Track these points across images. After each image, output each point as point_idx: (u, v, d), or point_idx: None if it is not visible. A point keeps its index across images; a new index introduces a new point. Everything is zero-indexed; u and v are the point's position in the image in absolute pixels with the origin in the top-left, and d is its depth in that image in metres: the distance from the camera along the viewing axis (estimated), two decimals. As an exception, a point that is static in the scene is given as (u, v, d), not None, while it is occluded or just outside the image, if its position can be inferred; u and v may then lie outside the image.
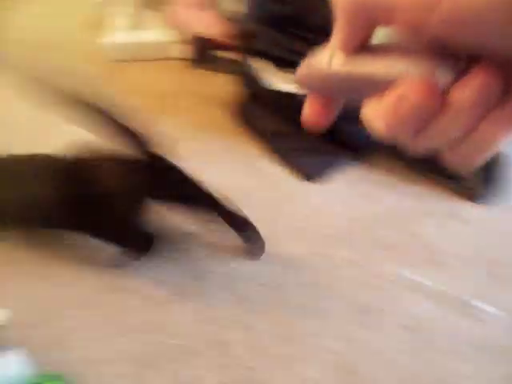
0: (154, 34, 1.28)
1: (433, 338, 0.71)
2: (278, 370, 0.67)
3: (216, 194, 0.73)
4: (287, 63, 0.97)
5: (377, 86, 0.29)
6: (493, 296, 0.75)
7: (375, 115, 0.29)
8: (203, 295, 0.77)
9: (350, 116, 0.88)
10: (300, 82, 0.34)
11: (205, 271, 0.79)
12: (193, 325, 0.73)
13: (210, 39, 1.21)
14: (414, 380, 0.66)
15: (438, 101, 0.26)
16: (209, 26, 1.16)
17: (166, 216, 0.76)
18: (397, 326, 0.72)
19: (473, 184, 0.88)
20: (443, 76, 0.27)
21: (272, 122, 1.01)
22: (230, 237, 0.79)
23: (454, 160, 0.28)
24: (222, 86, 1.16)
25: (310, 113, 0.35)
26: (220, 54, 1.25)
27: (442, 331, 0.71)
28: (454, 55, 0.27)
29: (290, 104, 0.96)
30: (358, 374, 0.67)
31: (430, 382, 0.66)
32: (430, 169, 0.92)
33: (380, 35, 0.33)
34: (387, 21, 0.26)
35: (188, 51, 1.24)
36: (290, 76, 0.96)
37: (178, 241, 0.82)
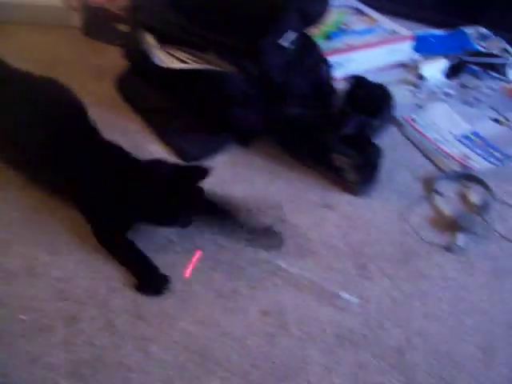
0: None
1: (292, 325, 0.71)
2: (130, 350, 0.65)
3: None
4: (173, 40, 0.93)
5: None
6: (357, 287, 0.76)
7: None
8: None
9: (238, 100, 0.88)
10: None
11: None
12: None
13: (102, 9, 1.15)
14: (266, 365, 0.66)
15: None
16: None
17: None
18: (257, 312, 0.72)
19: (353, 177, 0.88)
20: None
21: (154, 99, 0.98)
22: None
23: None
24: (114, 58, 1.12)
25: None
26: (114, 25, 1.20)
27: (303, 319, 0.72)
28: None
29: (175, 81, 0.93)
30: (210, 358, 0.66)
31: (282, 368, 0.66)
32: (314, 160, 0.92)
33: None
34: None
35: (81, 20, 1.19)
36: (176, 53, 0.92)
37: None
